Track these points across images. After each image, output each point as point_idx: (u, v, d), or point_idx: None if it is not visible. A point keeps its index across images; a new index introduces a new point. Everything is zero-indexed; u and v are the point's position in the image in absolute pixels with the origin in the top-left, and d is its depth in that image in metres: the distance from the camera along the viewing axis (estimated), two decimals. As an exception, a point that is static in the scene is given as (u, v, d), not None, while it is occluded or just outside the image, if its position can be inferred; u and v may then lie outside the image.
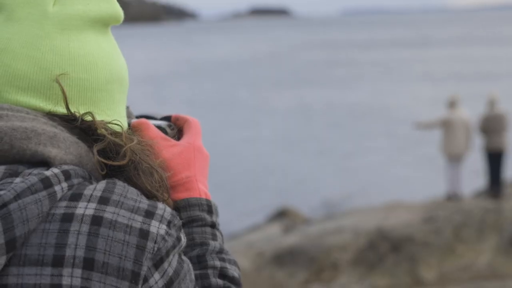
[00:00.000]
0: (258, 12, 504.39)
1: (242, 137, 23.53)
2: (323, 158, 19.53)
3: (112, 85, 0.91)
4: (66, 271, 0.74)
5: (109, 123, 0.89)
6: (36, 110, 0.84)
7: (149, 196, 0.88)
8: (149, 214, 0.80)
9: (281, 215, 12.73)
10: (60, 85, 0.84)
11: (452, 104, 10.74)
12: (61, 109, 0.85)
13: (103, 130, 0.86)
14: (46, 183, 0.77)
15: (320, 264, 8.22)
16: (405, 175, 16.91)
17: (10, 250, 0.73)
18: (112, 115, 0.90)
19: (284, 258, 8.62)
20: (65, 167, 0.80)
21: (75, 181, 0.80)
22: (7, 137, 0.79)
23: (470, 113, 10.78)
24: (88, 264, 0.75)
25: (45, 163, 0.81)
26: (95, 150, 0.84)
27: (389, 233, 7.71)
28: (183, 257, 0.86)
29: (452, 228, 7.87)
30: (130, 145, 0.86)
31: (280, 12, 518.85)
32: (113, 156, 0.86)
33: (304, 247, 8.66)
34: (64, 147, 0.82)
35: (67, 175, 0.79)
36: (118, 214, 0.78)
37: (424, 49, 68.58)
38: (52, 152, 0.80)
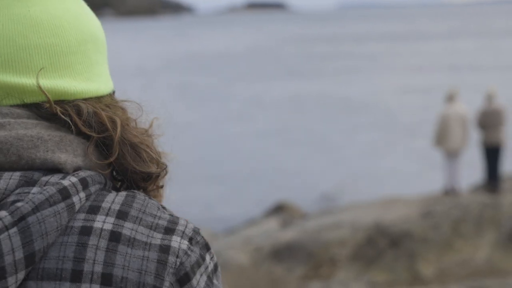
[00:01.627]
0: (254, 6, 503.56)
1: (236, 130, 23.52)
2: (317, 151, 19.53)
3: (86, 46, 0.86)
4: (84, 286, 0.72)
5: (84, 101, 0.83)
6: (11, 88, 0.80)
7: (143, 176, 0.85)
8: (169, 231, 0.78)
9: (279, 209, 12.72)
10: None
11: (450, 98, 10.73)
12: (36, 82, 0.80)
13: (83, 127, 0.81)
14: (65, 194, 0.74)
15: (318, 260, 8.22)
16: (400, 169, 16.92)
17: (29, 265, 0.71)
18: (91, 77, 0.86)
19: (282, 253, 8.62)
20: (82, 174, 0.77)
21: (93, 189, 0.77)
22: (14, 148, 0.76)
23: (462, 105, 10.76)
24: (106, 279, 0.73)
25: (56, 169, 0.78)
26: (90, 150, 0.81)
27: (387, 229, 7.71)
28: (215, 282, 0.81)
29: (450, 223, 7.87)
30: (118, 135, 0.82)
31: (276, 6, 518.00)
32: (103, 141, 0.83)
33: (302, 242, 8.66)
34: (72, 150, 0.79)
35: (84, 184, 0.76)
36: (136, 231, 0.75)
37: (418, 42, 68.64)
38: (62, 157, 0.78)
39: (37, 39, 0.81)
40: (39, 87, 0.80)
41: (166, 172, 0.92)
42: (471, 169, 14.68)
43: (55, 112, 0.80)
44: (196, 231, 0.80)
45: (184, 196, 15.56)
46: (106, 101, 0.87)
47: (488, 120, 10.51)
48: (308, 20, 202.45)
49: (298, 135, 22.03)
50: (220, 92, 34.47)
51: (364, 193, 14.78)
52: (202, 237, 0.81)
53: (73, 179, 0.76)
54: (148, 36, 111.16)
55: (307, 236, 9.00)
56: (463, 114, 10.50)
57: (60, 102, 0.82)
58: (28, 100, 0.81)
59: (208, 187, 16.19)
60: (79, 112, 0.82)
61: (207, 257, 0.81)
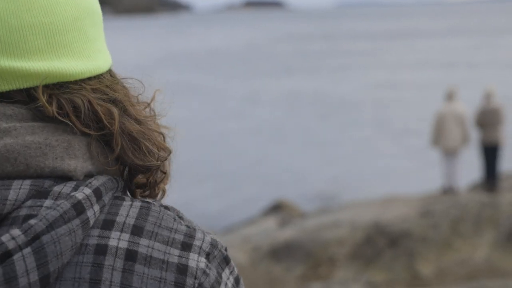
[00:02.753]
0: (253, 4, 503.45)
1: (232, 128, 23.52)
2: (314, 149, 19.54)
3: (82, 21, 0.82)
4: None
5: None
6: (5, 72, 0.75)
7: (142, 170, 0.82)
8: (186, 247, 0.74)
9: (277, 208, 12.71)
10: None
11: (449, 97, 10.74)
12: (34, 64, 0.76)
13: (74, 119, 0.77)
14: (79, 209, 0.71)
15: (317, 259, 8.21)
16: (397, 166, 16.92)
17: (43, 287, 0.68)
18: (90, 55, 0.82)
19: (281, 253, 8.60)
20: (95, 183, 0.74)
21: (106, 199, 0.74)
22: (21, 156, 0.72)
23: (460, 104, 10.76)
24: None
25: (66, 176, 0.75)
26: (93, 148, 0.78)
27: (386, 228, 7.70)
28: None
29: (449, 223, 7.86)
30: (116, 128, 0.78)
31: (274, 4, 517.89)
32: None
33: (301, 241, 8.65)
34: (81, 155, 0.76)
35: (98, 195, 0.73)
36: (153, 248, 0.72)
37: (414, 40, 68.75)
38: (71, 165, 0.75)
39: (31, 18, 0.77)
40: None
41: (169, 162, 0.88)
42: (470, 168, 14.68)
43: (51, 115, 0.76)
44: (213, 245, 0.77)
45: (182, 194, 15.54)
46: (107, 81, 0.83)
47: (487, 119, 10.50)
48: (306, 18, 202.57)
49: (295, 133, 22.04)
50: (216, 90, 34.52)
51: (362, 192, 14.78)
52: (220, 250, 0.77)
53: (87, 191, 0.73)
54: (145, 34, 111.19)
55: (305, 235, 8.99)
56: (460, 113, 10.49)
57: (55, 91, 0.77)
58: (24, 85, 0.76)
59: (206, 185, 16.18)
60: (76, 109, 0.78)
61: (227, 272, 0.77)
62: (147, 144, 0.82)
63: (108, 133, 0.79)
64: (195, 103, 30.06)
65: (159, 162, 0.83)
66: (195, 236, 0.76)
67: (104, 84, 0.82)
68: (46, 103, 0.76)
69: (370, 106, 26.96)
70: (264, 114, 26.47)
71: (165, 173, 0.88)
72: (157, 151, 0.84)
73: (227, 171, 17.50)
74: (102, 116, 0.78)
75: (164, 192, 0.94)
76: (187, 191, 15.86)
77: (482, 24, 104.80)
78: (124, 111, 0.82)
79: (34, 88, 0.77)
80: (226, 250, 0.79)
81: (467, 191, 11.25)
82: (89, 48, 0.82)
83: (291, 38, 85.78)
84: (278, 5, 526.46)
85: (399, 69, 40.85)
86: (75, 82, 0.79)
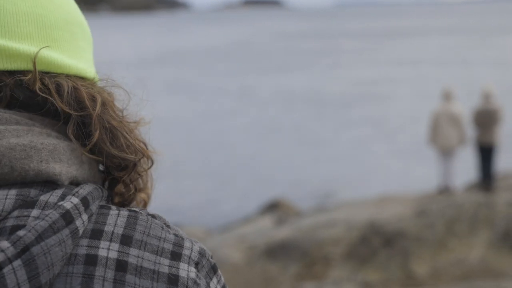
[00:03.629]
0: (251, 3, 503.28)
1: (228, 126, 23.52)
2: (309, 147, 19.53)
3: (73, 27, 0.84)
4: None
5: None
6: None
7: (119, 163, 0.81)
8: (176, 256, 0.74)
9: (273, 207, 12.71)
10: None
11: (445, 97, 10.76)
12: (24, 46, 0.77)
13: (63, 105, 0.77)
14: (68, 218, 0.69)
15: (312, 258, 8.21)
16: (392, 165, 16.94)
17: None
18: (78, 59, 0.83)
19: (276, 252, 8.60)
20: (82, 192, 0.73)
21: (93, 208, 0.73)
22: (6, 158, 0.71)
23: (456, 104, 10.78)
24: None
25: (51, 180, 0.74)
26: (70, 131, 0.77)
27: (381, 227, 7.70)
28: None
29: (444, 223, 7.86)
30: (96, 112, 0.78)
31: (273, 3, 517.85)
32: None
33: (296, 240, 8.65)
34: (66, 159, 0.76)
35: (86, 204, 0.72)
36: (143, 258, 0.72)
37: (410, 39, 68.92)
38: (56, 168, 0.74)
39: (26, 7, 0.79)
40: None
41: (151, 163, 0.87)
42: (466, 168, 14.69)
43: (34, 88, 0.76)
44: (202, 254, 0.77)
45: (179, 193, 15.54)
46: (91, 82, 0.84)
47: (484, 119, 10.51)
48: (304, 17, 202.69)
49: (291, 131, 22.04)
50: (210, 88, 34.54)
51: (358, 191, 14.79)
52: (208, 259, 0.78)
53: (75, 200, 0.72)
54: (141, 32, 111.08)
55: (301, 234, 8.99)
56: (456, 112, 10.51)
57: (42, 75, 0.78)
58: (11, 65, 0.77)
59: (202, 184, 16.17)
60: (59, 90, 0.78)
61: (214, 281, 0.77)
62: (126, 136, 0.82)
63: (88, 115, 0.78)
64: (190, 101, 30.09)
65: (136, 156, 0.83)
66: (183, 245, 0.75)
67: (87, 82, 0.83)
68: (30, 80, 0.76)
69: (364, 103, 27.00)
70: (259, 112, 26.50)
71: (141, 175, 0.88)
72: (135, 147, 0.83)
73: (223, 169, 17.49)
74: (85, 96, 0.79)
75: (146, 200, 0.94)
76: (184, 189, 15.86)
77: (478, 23, 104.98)
78: (106, 106, 0.82)
79: (22, 72, 0.77)
80: (212, 258, 0.79)
81: (463, 191, 11.27)
82: (77, 52, 0.84)
83: (287, 36, 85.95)
84: (276, 4, 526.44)
85: (393, 66, 40.98)
86: (61, 74, 0.80)
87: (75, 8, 0.87)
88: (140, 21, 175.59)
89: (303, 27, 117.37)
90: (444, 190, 10.88)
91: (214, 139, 21.34)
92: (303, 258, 8.26)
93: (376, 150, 18.77)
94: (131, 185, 0.88)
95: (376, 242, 7.47)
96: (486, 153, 10.68)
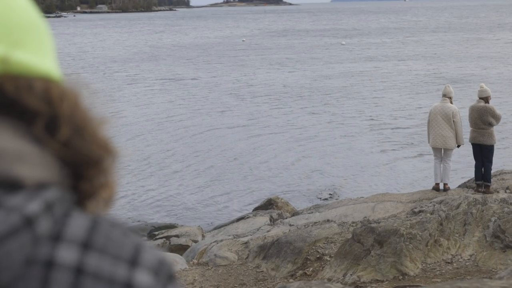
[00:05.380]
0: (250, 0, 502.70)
1: (222, 123, 23.49)
2: (305, 146, 19.53)
3: (40, 31, 0.82)
4: None
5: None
6: None
7: (83, 160, 0.79)
8: (134, 262, 0.73)
9: (268, 205, 12.71)
10: None
11: (443, 95, 10.80)
12: None
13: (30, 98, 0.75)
14: (29, 222, 0.69)
15: (306, 257, 8.21)
16: (388, 164, 16.93)
17: None
18: (44, 57, 0.81)
19: (270, 250, 8.61)
20: (45, 195, 0.72)
21: (57, 211, 0.73)
22: None
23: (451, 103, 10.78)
24: None
25: (16, 183, 0.73)
26: (38, 130, 0.76)
27: (375, 227, 7.70)
28: None
29: (437, 222, 7.87)
30: (64, 111, 0.77)
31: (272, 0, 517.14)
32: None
33: (290, 239, 8.65)
34: (32, 160, 0.74)
35: (48, 207, 0.72)
36: (101, 264, 0.71)
37: (405, 36, 69.04)
38: (21, 171, 0.73)
39: None
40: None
41: (112, 159, 0.85)
42: (461, 167, 14.68)
43: (2, 89, 0.74)
44: (161, 262, 0.76)
45: (174, 191, 15.54)
46: (58, 81, 0.82)
47: (480, 118, 10.52)
48: (302, 13, 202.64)
49: (285, 129, 22.03)
50: (205, 84, 34.55)
51: (355, 189, 14.79)
52: (167, 267, 0.77)
53: (38, 202, 0.71)
54: (137, 28, 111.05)
55: (295, 233, 9.00)
56: (450, 111, 10.53)
57: (10, 76, 0.76)
58: None
59: (196, 182, 16.16)
60: (27, 90, 0.76)
61: None
62: (94, 134, 0.81)
63: (56, 115, 0.77)
64: (183, 97, 30.07)
65: (103, 154, 0.82)
66: (142, 252, 0.75)
67: (56, 81, 0.82)
68: (7, 61, 0.75)
69: (354, 100, 27.01)
70: (252, 108, 26.50)
71: (106, 173, 0.86)
72: (102, 145, 0.82)
73: (219, 168, 17.48)
74: (53, 96, 0.78)
75: (111, 198, 0.94)
76: (180, 187, 15.85)
77: (473, 21, 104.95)
78: (74, 104, 0.81)
79: None
80: (172, 267, 0.78)
81: (458, 189, 11.27)
82: (44, 52, 0.82)
83: (282, 32, 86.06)
84: (275, 0, 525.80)
85: (386, 63, 40.99)
86: (29, 74, 0.78)
87: (35, 9, 0.85)
88: (136, 19, 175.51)
89: (301, 24, 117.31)
90: (439, 189, 10.90)
91: (209, 135, 21.32)
92: (296, 257, 8.27)
93: (374, 150, 18.77)
94: (96, 183, 0.88)
95: (369, 241, 7.47)
96: (482, 151, 10.70)
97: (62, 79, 0.84)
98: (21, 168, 0.73)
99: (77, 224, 0.73)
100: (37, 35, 0.82)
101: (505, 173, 12.13)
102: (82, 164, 0.80)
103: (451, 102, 10.70)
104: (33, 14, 0.83)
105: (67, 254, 0.70)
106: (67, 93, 0.80)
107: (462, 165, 14.70)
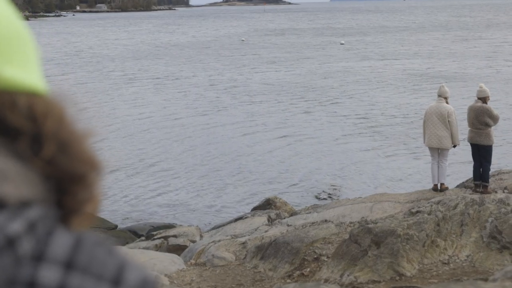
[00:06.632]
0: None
1: (219, 122, 23.47)
2: (303, 145, 19.52)
3: (23, 42, 0.80)
4: None
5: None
6: None
7: (69, 178, 0.78)
8: (117, 282, 0.72)
9: (267, 205, 12.71)
10: None
11: (438, 96, 10.81)
12: None
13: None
14: (11, 243, 0.68)
15: (303, 257, 8.21)
16: (386, 164, 16.94)
17: None
18: (29, 71, 0.79)
19: (268, 250, 8.61)
20: (28, 214, 0.71)
21: (40, 230, 0.72)
22: None
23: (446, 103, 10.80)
24: None
25: None
26: (21, 148, 0.74)
27: (372, 227, 7.71)
28: None
29: (434, 222, 7.87)
30: (49, 128, 0.76)
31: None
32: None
33: (288, 239, 8.65)
34: (15, 178, 0.73)
35: (31, 226, 0.71)
36: (84, 283, 0.70)
37: (403, 34, 69.10)
38: (5, 189, 0.72)
39: None
40: None
41: (97, 174, 0.83)
42: (459, 167, 14.68)
43: None
44: (145, 281, 0.75)
45: (173, 191, 15.54)
46: (43, 95, 0.80)
47: (476, 118, 10.53)
48: (301, 12, 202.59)
49: (283, 128, 22.03)
50: (200, 83, 34.53)
51: (353, 189, 14.79)
52: (151, 286, 0.76)
53: (20, 222, 0.70)
54: (135, 27, 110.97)
55: (292, 233, 9.00)
56: (445, 111, 10.54)
57: None
58: None
59: (195, 182, 16.15)
60: (10, 106, 0.74)
61: None
62: (79, 149, 0.80)
63: (40, 131, 0.76)
64: (179, 96, 30.06)
65: (88, 169, 0.81)
66: (126, 272, 0.74)
67: (41, 95, 0.80)
68: None
69: (357, 101, 27.01)
70: (248, 107, 26.48)
71: (91, 188, 0.84)
72: (87, 160, 0.81)
73: (216, 167, 17.48)
74: (37, 112, 0.76)
75: (94, 212, 0.93)
76: (178, 187, 15.85)
77: (470, 20, 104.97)
78: (59, 120, 0.79)
79: None
80: (156, 285, 0.77)
81: (456, 189, 11.28)
82: (28, 65, 0.80)
83: (280, 31, 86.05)
84: None
85: (381, 60, 41.03)
86: (14, 89, 0.77)
87: (19, 19, 0.82)
88: (135, 17, 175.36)
89: (299, 23, 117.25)
90: (436, 189, 10.90)
91: (206, 135, 21.31)
92: (294, 257, 8.27)
93: (371, 150, 18.77)
94: (81, 198, 0.87)
95: (367, 241, 7.48)
96: (479, 152, 10.71)
97: (47, 92, 0.82)
98: (3, 186, 0.72)
99: (60, 243, 0.72)
100: (22, 48, 0.80)
101: (503, 173, 12.13)
102: (66, 180, 0.79)
103: (447, 102, 10.71)
104: (18, 25, 0.80)
105: (49, 275, 0.69)
106: (51, 109, 0.78)
107: (461, 164, 14.70)
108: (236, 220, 11.77)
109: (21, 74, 0.78)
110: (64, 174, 0.78)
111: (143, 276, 0.75)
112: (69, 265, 0.71)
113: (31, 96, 0.77)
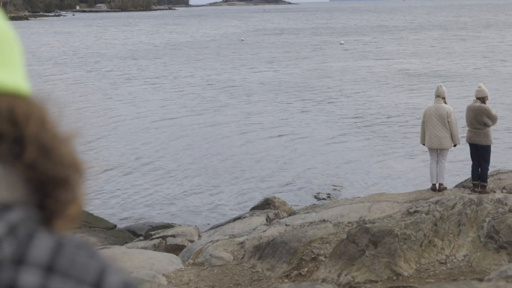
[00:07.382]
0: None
1: (217, 121, 23.47)
2: (302, 145, 19.51)
3: (7, 42, 0.78)
4: None
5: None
6: None
7: (51, 181, 0.77)
8: (98, 286, 0.72)
9: (265, 205, 12.71)
10: None
11: (435, 95, 10.82)
12: None
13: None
14: None
15: (301, 257, 8.22)
16: (384, 164, 16.94)
17: None
18: (12, 72, 0.78)
19: (266, 250, 8.61)
20: (10, 217, 0.71)
21: (20, 233, 0.72)
22: None
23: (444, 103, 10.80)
24: None
25: None
26: (2, 149, 0.73)
27: (370, 227, 7.71)
28: None
29: (432, 222, 7.87)
30: (30, 131, 0.74)
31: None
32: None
33: (286, 239, 8.65)
34: None
35: (12, 229, 0.70)
36: (64, 287, 0.70)
37: (401, 33, 69.15)
38: None
39: None
40: None
41: (80, 176, 0.82)
42: (457, 167, 14.67)
43: None
44: (126, 284, 0.75)
45: (171, 190, 15.53)
46: (25, 97, 0.79)
47: (475, 118, 10.53)
48: (301, 12, 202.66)
49: (281, 127, 22.03)
50: (198, 82, 34.53)
51: (352, 189, 14.79)
52: None
53: (1, 225, 0.70)
54: (134, 27, 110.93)
55: (290, 233, 9.00)
56: (442, 112, 10.54)
57: None
58: None
59: (194, 181, 16.15)
60: None
61: None
62: (61, 152, 0.79)
63: (22, 134, 0.75)
64: (177, 95, 30.05)
65: (71, 172, 0.80)
66: (107, 275, 0.74)
67: (24, 97, 0.79)
68: None
69: (356, 101, 27.02)
70: (246, 106, 26.48)
71: (74, 190, 0.84)
72: (70, 162, 0.80)
73: (215, 167, 17.47)
74: (19, 115, 0.75)
75: (78, 215, 0.93)
76: (176, 186, 15.85)
77: (470, 20, 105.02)
78: (41, 122, 0.78)
79: None
80: None
81: (454, 189, 11.29)
82: (13, 67, 0.79)
83: (280, 31, 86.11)
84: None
85: (379, 59, 41.08)
86: None
87: (3, 20, 0.81)
88: (134, 17, 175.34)
89: (299, 22, 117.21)
90: (434, 189, 10.91)
91: (204, 135, 21.30)
92: (291, 257, 8.27)
93: (369, 148, 18.77)
94: (63, 201, 0.87)
95: (364, 241, 7.48)
96: (478, 151, 10.71)
97: (29, 94, 0.81)
98: None
99: (41, 246, 0.71)
100: (3, 48, 0.78)
101: (502, 172, 12.13)
102: (48, 183, 0.78)
103: (445, 102, 10.72)
104: (2, 25, 0.79)
105: (29, 278, 0.68)
106: (33, 111, 0.77)
107: (459, 164, 14.71)
108: (235, 220, 11.77)
109: (2, 75, 0.76)
110: (46, 177, 0.77)
111: (124, 279, 0.75)
112: (49, 268, 0.70)
113: (13, 98, 0.76)
